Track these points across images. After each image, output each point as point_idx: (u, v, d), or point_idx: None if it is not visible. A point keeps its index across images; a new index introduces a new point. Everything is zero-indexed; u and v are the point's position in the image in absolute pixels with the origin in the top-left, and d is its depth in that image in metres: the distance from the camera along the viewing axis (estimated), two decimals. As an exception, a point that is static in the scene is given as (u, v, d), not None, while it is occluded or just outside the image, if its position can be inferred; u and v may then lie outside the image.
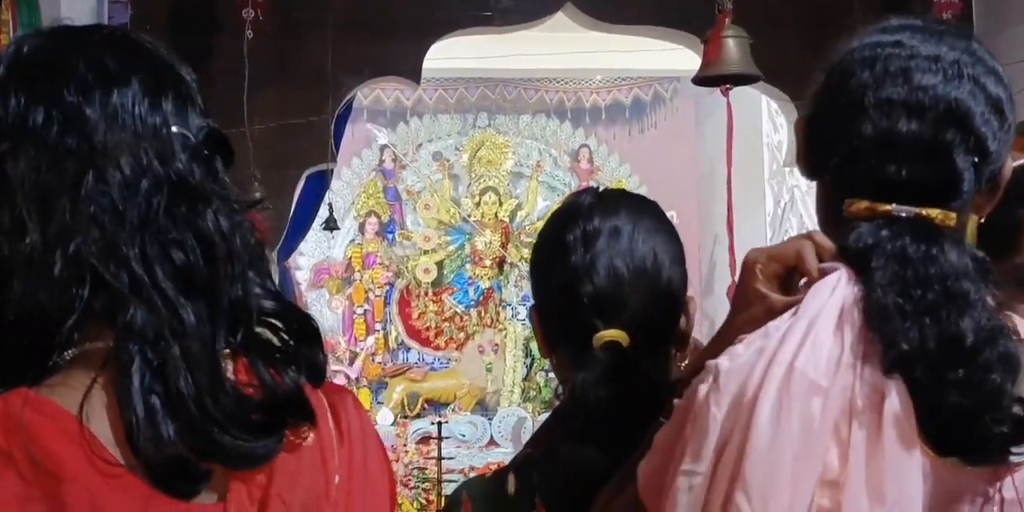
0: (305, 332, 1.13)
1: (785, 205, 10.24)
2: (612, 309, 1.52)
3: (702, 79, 4.89)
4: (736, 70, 4.71)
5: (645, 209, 1.63)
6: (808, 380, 1.13)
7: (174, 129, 1.07)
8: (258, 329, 1.07)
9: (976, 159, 1.22)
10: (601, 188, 1.72)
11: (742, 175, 5.85)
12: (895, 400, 1.13)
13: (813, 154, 1.35)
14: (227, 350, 1.02)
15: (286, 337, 1.10)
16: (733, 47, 4.59)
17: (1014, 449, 1.15)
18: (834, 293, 1.18)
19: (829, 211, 1.31)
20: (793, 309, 1.21)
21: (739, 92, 5.22)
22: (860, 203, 1.22)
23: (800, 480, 1.10)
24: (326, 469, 1.07)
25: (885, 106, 1.23)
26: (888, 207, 1.20)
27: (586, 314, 1.53)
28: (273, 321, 1.10)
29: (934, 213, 1.19)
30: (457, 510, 1.59)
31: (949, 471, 1.15)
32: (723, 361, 1.21)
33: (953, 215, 1.20)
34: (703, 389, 1.21)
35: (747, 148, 6.33)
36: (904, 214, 1.19)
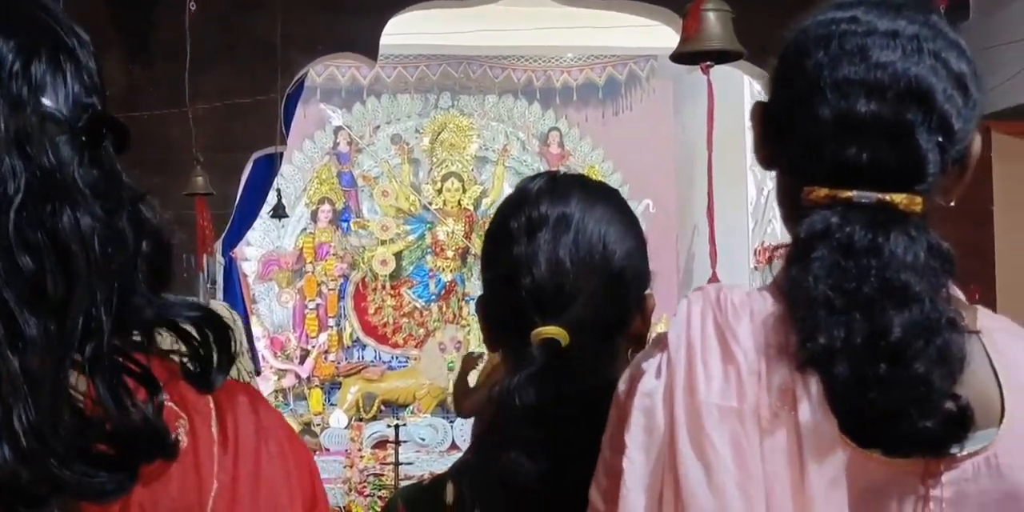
0: (207, 338, 1.06)
1: (768, 193, 10.27)
2: (553, 304, 1.49)
3: (680, 56, 4.86)
4: (717, 46, 4.67)
5: (601, 196, 1.60)
6: (715, 406, 1.14)
7: (45, 103, 0.95)
8: (163, 335, 1.05)
9: (941, 138, 1.22)
10: (560, 172, 1.70)
11: (723, 161, 5.85)
12: (806, 406, 1.14)
13: (770, 141, 1.33)
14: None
15: (196, 344, 1.06)
16: (714, 21, 4.55)
17: (952, 446, 1.16)
18: (691, 319, 1.20)
19: (789, 202, 1.30)
20: (658, 344, 1.23)
21: (720, 72, 5.21)
22: (820, 190, 1.21)
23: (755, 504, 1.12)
24: (200, 476, 1.03)
25: (842, 86, 1.22)
26: (849, 194, 1.19)
27: (526, 309, 1.51)
28: (185, 327, 1.06)
29: (898, 198, 1.19)
30: None
31: (874, 462, 1.17)
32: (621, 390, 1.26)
33: (919, 199, 1.20)
34: (613, 415, 1.26)
35: (728, 132, 6.33)
36: (865, 201, 1.19)
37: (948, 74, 1.24)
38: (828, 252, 1.17)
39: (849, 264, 1.16)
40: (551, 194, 1.57)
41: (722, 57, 4.66)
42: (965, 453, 1.17)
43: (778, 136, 1.31)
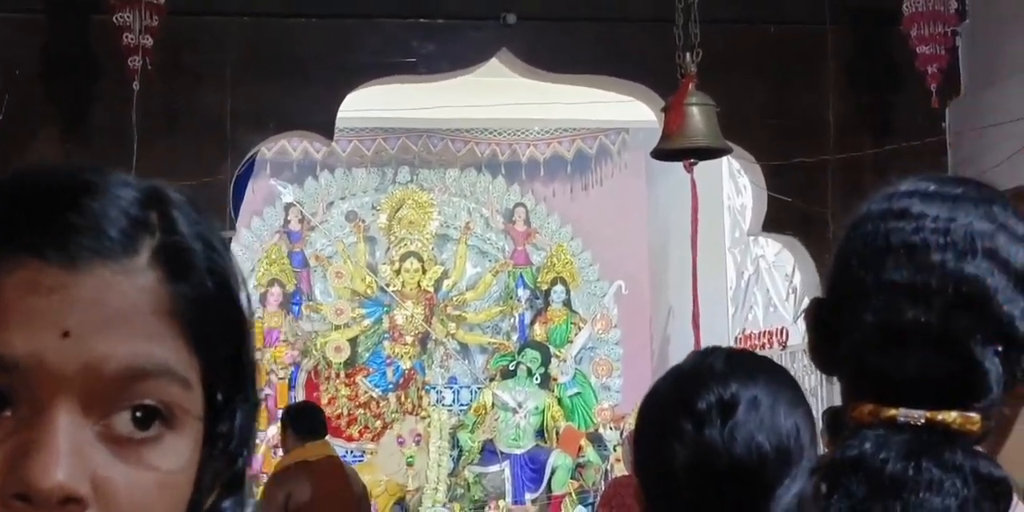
0: None
1: (749, 277, 10.30)
2: (754, 495, 1.48)
3: (662, 152, 4.88)
4: (703, 143, 4.68)
5: (779, 374, 1.60)
6: None
7: None
8: None
9: (1001, 347, 1.15)
10: (727, 348, 1.68)
11: (702, 244, 5.87)
12: None
13: (822, 346, 1.27)
14: None
15: None
16: (698, 117, 4.57)
17: None
18: None
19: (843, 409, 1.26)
20: None
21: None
22: (864, 407, 1.15)
23: None
24: None
25: (887, 290, 1.18)
26: (894, 412, 1.13)
27: (721, 501, 1.49)
28: None
29: (951, 418, 1.11)
30: None
31: None
32: None
33: (976, 418, 1.12)
34: None
35: (706, 212, 6.33)
36: (911, 420, 1.13)
37: (1008, 273, 1.18)
38: (853, 488, 1.11)
39: (873, 506, 1.10)
40: (737, 373, 1.55)
41: (707, 154, 4.68)
42: None
43: (831, 341, 1.25)
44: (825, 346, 1.25)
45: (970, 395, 1.13)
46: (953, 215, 1.20)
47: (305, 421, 6.56)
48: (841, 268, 1.25)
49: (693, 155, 4.67)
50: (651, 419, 1.60)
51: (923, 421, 1.13)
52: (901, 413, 1.14)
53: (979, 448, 1.13)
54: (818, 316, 1.28)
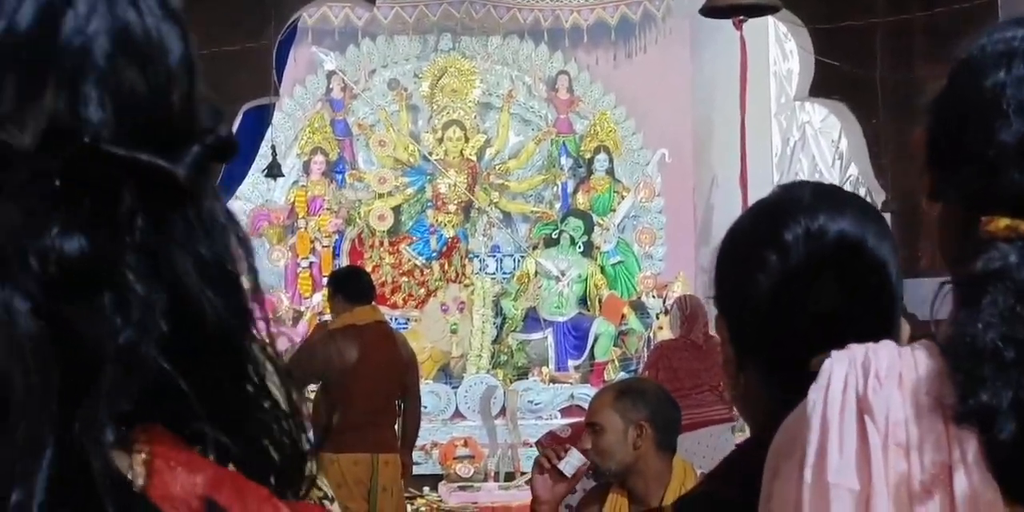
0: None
1: (795, 143, 10.27)
2: (838, 327, 1.42)
3: (712, 10, 4.83)
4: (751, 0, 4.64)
5: (868, 209, 1.58)
6: (845, 489, 1.10)
7: None
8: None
9: None
10: (813, 182, 1.64)
11: (746, 108, 5.85)
12: (963, 474, 1.09)
13: (938, 170, 1.27)
14: None
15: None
16: (748, -29, 4.53)
17: None
18: (831, 387, 1.15)
19: (956, 238, 1.25)
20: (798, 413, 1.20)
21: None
22: (1000, 220, 1.14)
23: None
24: None
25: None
26: None
27: (804, 331, 1.46)
28: None
29: None
30: None
31: None
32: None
33: None
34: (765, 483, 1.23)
35: (752, 78, 6.31)
36: None
37: None
38: (1002, 296, 1.11)
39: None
40: (824, 203, 1.55)
41: (756, 11, 4.63)
42: None
43: (947, 163, 1.25)
44: (941, 170, 1.25)
45: None
46: None
47: (353, 286, 6.58)
48: (966, 90, 1.23)
49: (743, 12, 4.62)
50: (734, 251, 1.58)
51: None
52: None
53: None
54: (932, 141, 1.27)
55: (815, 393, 1.16)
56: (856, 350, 1.18)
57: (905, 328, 1.54)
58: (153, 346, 0.77)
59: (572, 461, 3.54)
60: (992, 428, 1.09)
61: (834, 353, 1.19)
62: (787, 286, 1.50)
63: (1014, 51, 1.20)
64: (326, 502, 1.87)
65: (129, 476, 0.79)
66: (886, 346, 1.17)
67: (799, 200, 1.54)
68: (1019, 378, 1.09)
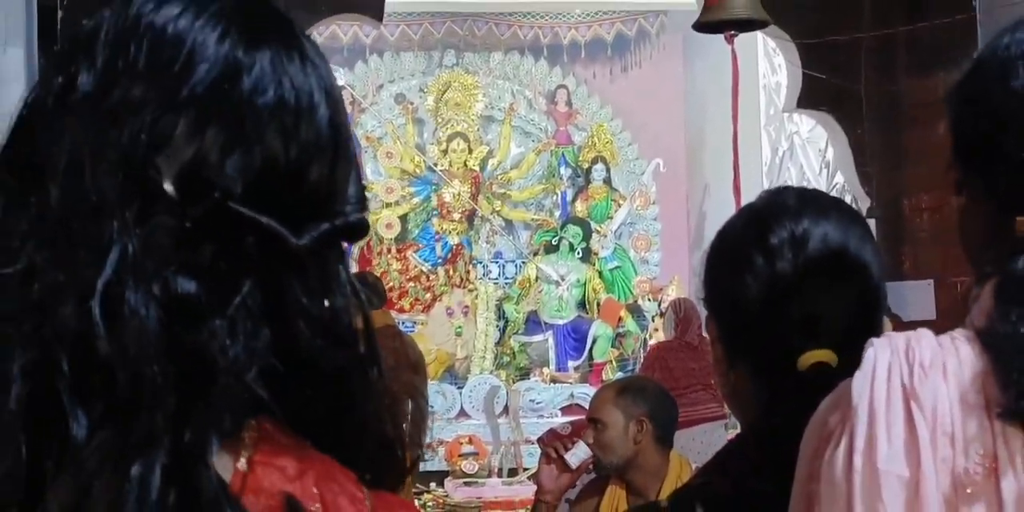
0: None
1: (783, 153, 10.27)
2: (823, 326, 1.46)
3: (704, 25, 4.83)
4: (742, 15, 4.64)
5: (851, 214, 1.57)
6: (894, 475, 1.09)
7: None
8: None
9: None
10: (799, 187, 1.61)
11: (741, 122, 5.87)
12: (1009, 468, 1.08)
13: (967, 167, 1.25)
14: None
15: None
16: (739, -10, 4.54)
17: None
18: (875, 375, 1.13)
19: (986, 232, 1.23)
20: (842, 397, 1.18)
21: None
22: None
23: None
24: None
25: None
26: None
27: (791, 330, 1.46)
28: None
29: None
30: None
31: None
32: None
33: None
34: (801, 468, 1.21)
35: (742, 91, 6.31)
36: None
37: None
38: None
39: None
40: (808, 209, 1.53)
41: (747, 25, 4.63)
42: None
43: (976, 160, 1.23)
44: (971, 167, 1.24)
45: None
46: None
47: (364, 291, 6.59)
48: (994, 89, 1.21)
49: (734, 27, 4.61)
50: (724, 254, 1.58)
51: None
52: None
53: None
54: (960, 139, 1.25)
55: (860, 380, 1.15)
56: (897, 338, 1.16)
57: (888, 328, 1.54)
58: (255, 369, 0.84)
59: (579, 453, 3.55)
60: None
61: (875, 341, 1.17)
62: (773, 288, 1.49)
63: None
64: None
65: (229, 477, 0.84)
66: (926, 336, 1.15)
67: (785, 205, 1.54)
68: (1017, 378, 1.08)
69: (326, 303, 0.89)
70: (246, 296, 0.84)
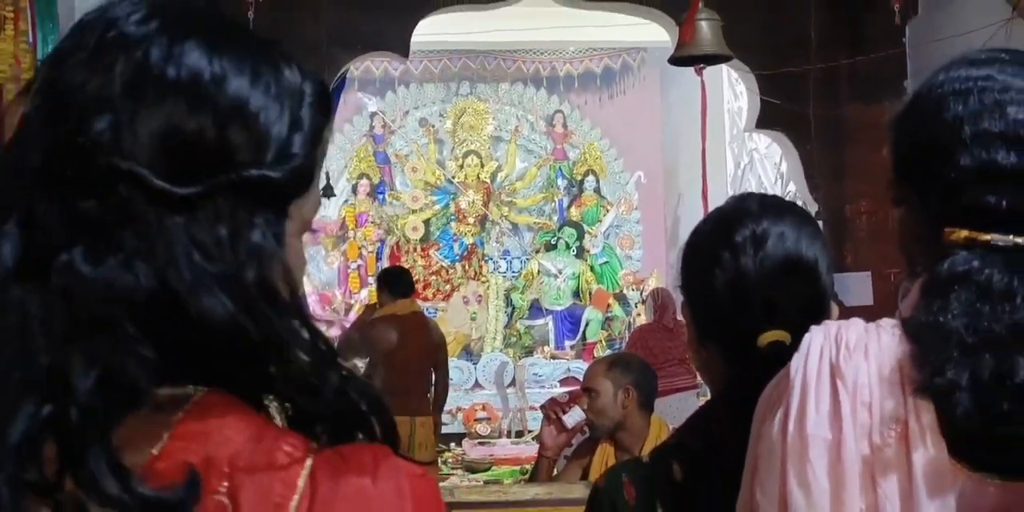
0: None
1: (744, 167, 10.25)
2: (779, 310, 1.45)
3: (677, 59, 4.85)
4: (709, 51, 4.68)
5: (805, 216, 1.57)
6: (821, 438, 1.10)
7: None
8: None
9: None
10: (760, 193, 1.61)
11: (709, 140, 5.88)
12: (917, 433, 1.08)
13: (905, 184, 1.26)
14: None
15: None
16: (706, 29, 4.57)
17: None
18: (809, 355, 1.15)
19: (915, 237, 1.24)
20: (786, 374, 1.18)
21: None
22: (960, 232, 1.15)
23: None
24: None
25: (983, 139, 1.16)
26: (988, 237, 1.14)
27: (754, 316, 1.46)
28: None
29: None
30: (618, 492, 1.52)
31: (992, 487, 1.09)
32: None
33: None
34: (754, 428, 1.21)
35: (709, 114, 6.33)
36: (1002, 243, 1.14)
37: None
38: (967, 293, 1.11)
39: (984, 306, 1.10)
40: (770, 212, 1.52)
41: (713, 60, 4.66)
42: None
43: (918, 180, 1.23)
44: (908, 184, 1.24)
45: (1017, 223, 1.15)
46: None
47: (397, 283, 6.57)
48: (930, 120, 1.22)
49: (703, 61, 4.63)
50: (696, 250, 1.57)
51: (1012, 244, 1.14)
52: (993, 238, 1.15)
53: None
54: (899, 160, 1.26)
55: (797, 360, 1.15)
56: (831, 325, 1.18)
57: (835, 311, 1.54)
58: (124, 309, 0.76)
59: (574, 415, 3.55)
60: (949, 400, 1.08)
61: (814, 327, 1.18)
62: (738, 278, 1.49)
63: (969, 90, 1.20)
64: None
65: (153, 448, 0.75)
66: (855, 323, 1.16)
67: (747, 209, 1.53)
68: (977, 361, 1.08)
69: (219, 258, 0.79)
70: (123, 245, 0.77)
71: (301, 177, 0.84)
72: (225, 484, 0.74)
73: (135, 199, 0.77)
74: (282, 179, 0.81)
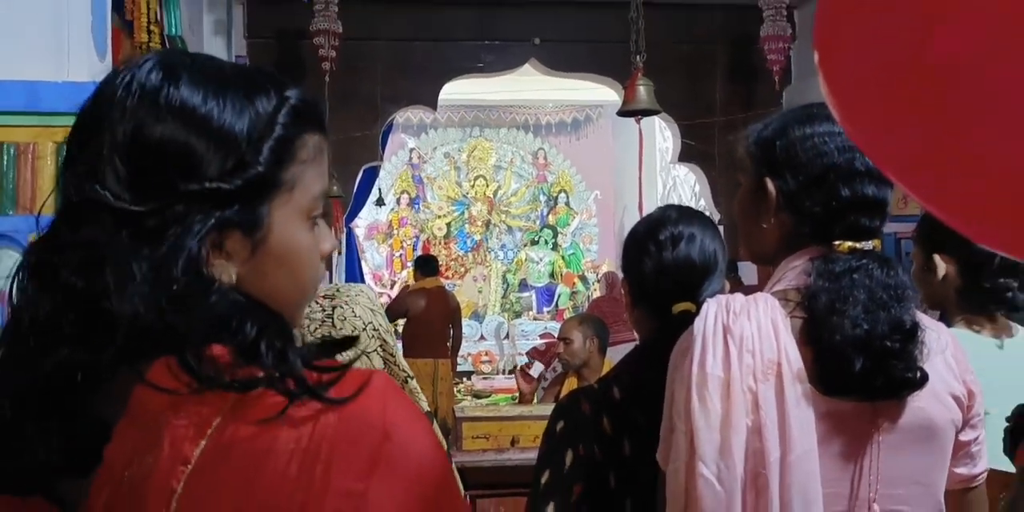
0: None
1: (669, 188, 10.24)
2: (689, 289, 1.45)
3: (623, 112, 4.86)
4: (645, 107, 4.69)
5: (709, 222, 1.57)
6: (716, 377, 1.09)
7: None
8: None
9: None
10: (678, 205, 1.61)
11: (643, 167, 5.90)
12: (787, 370, 1.08)
13: (788, 208, 1.20)
14: None
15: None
16: (643, 92, 4.58)
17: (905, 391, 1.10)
18: (707, 317, 1.14)
19: (786, 242, 1.20)
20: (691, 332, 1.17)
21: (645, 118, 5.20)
22: (844, 244, 1.15)
23: (735, 431, 1.06)
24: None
25: (855, 175, 1.16)
26: (860, 245, 1.15)
27: (671, 291, 1.46)
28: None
29: (875, 244, 1.16)
30: (576, 407, 1.49)
31: (837, 405, 1.10)
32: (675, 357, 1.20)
33: (879, 243, 1.18)
34: (670, 373, 1.19)
35: (645, 151, 6.34)
36: (864, 248, 1.15)
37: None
38: (860, 276, 1.12)
39: (873, 283, 1.12)
40: (683, 219, 1.51)
41: (648, 113, 4.66)
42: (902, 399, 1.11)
43: (801, 207, 1.19)
44: (791, 208, 1.21)
45: (877, 234, 1.18)
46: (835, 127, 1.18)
47: (427, 266, 6.58)
48: (809, 162, 1.19)
49: (640, 113, 4.64)
50: (633, 245, 1.56)
51: (871, 247, 1.16)
52: (862, 245, 1.16)
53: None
54: (782, 190, 1.21)
55: (698, 321, 1.15)
56: (722, 297, 1.17)
57: (727, 288, 1.54)
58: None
59: (536, 368, 3.58)
60: (857, 348, 1.08)
61: (709, 299, 1.17)
62: (660, 265, 1.49)
63: (831, 138, 1.17)
64: (409, 379, 1.80)
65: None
66: (738, 296, 1.16)
67: (669, 216, 1.53)
68: (875, 316, 1.09)
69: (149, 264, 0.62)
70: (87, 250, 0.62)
71: (262, 184, 0.66)
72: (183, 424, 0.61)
73: (101, 218, 0.63)
74: (236, 189, 0.65)
